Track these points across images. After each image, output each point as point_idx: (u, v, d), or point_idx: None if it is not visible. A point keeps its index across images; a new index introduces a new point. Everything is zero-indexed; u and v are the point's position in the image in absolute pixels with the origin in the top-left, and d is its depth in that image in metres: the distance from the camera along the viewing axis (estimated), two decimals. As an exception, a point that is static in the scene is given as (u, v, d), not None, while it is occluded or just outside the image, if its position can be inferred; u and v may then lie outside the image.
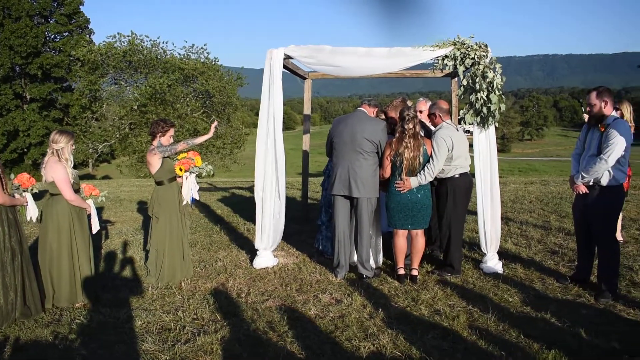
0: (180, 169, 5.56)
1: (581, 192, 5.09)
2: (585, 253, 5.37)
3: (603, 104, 4.94)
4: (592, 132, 5.10)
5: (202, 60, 30.88)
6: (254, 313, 4.69)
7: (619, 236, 6.76)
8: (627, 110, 6.39)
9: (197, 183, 5.99)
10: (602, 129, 4.92)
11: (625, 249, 6.59)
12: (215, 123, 6.05)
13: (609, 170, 4.87)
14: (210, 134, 5.83)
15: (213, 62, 31.23)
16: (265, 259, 6.06)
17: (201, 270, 5.99)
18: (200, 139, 5.82)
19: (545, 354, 3.79)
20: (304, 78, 8.06)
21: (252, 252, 6.38)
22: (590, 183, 5.00)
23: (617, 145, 4.77)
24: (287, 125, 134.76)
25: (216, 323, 4.48)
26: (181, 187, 5.66)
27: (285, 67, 6.75)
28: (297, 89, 8.30)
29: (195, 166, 5.66)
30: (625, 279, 5.46)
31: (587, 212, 5.12)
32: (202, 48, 31.20)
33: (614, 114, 4.99)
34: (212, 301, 5.00)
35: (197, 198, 5.87)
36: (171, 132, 5.51)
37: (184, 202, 5.67)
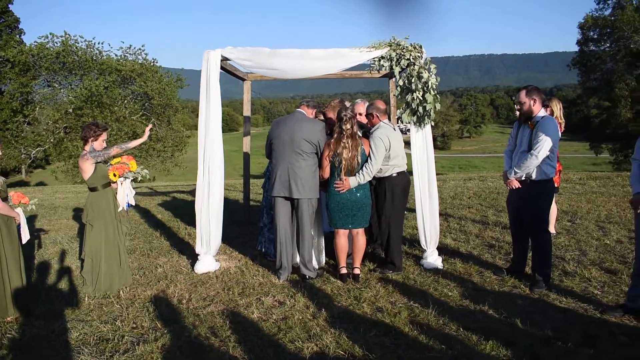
0: (114, 175, 5.40)
1: (514, 187, 5.29)
2: (520, 245, 5.58)
3: (532, 102, 5.15)
4: (522, 130, 5.30)
5: (140, 62, 30.13)
6: (195, 319, 4.61)
7: (551, 229, 7.05)
8: (557, 107, 6.67)
9: (135, 188, 5.83)
10: (532, 126, 5.13)
11: (558, 240, 6.88)
12: (150, 126, 5.91)
13: (539, 166, 5.08)
14: (145, 137, 5.70)
15: (152, 64, 30.53)
16: (206, 264, 5.97)
17: (140, 278, 5.83)
18: (134, 143, 5.67)
19: (483, 345, 3.91)
20: (243, 79, 7.99)
21: (193, 257, 6.28)
22: (523, 178, 5.20)
23: (546, 141, 4.99)
24: (230, 127, 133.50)
25: (156, 331, 4.37)
26: (116, 192, 5.50)
27: (223, 68, 6.68)
28: (239, 90, 8.19)
29: (130, 171, 5.51)
30: (558, 269, 5.70)
31: (520, 205, 5.33)
32: (140, 49, 30.47)
33: (543, 111, 5.21)
34: (152, 309, 4.88)
35: (133, 204, 5.72)
36: (104, 136, 5.34)
37: (120, 208, 5.51)
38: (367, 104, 6.15)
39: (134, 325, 4.52)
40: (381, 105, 5.84)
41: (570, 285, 5.22)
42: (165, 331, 4.36)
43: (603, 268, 5.70)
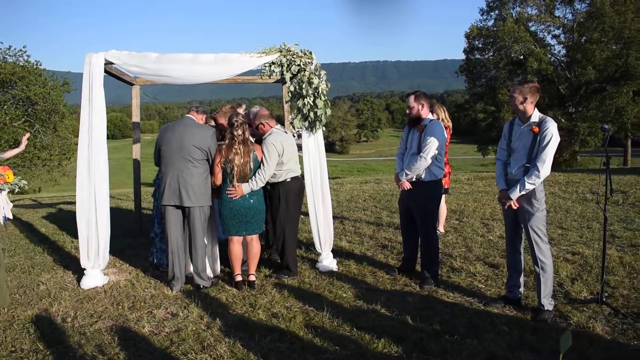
0: (-13, 187, 5.01)
1: (406, 188, 5.50)
2: (410, 244, 5.81)
3: (420, 107, 5.40)
4: (412, 133, 5.54)
5: (21, 64, 28.14)
6: (81, 337, 4.35)
7: (440, 228, 7.42)
8: (441, 111, 7.04)
9: (14, 200, 5.44)
10: (421, 130, 5.37)
11: (446, 238, 7.24)
12: (27, 135, 5.53)
13: (428, 167, 5.34)
14: (22, 147, 5.34)
15: (34, 66, 28.62)
16: (93, 278, 5.66)
17: (20, 297, 5.41)
18: (10, 153, 5.29)
19: (375, 343, 4.02)
20: (131, 84, 7.70)
21: (80, 272, 5.92)
22: (413, 179, 5.43)
23: (433, 144, 5.27)
24: (124, 133, 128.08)
25: (38, 353, 4.07)
26: (-11, 206, 5.10)
27: (109, 72, 6.40)
28: (130, 94, 7.86)
29: (6, 182, 5.14)
30: (446, 265, 6.01)
31: (411, 205, 5.56)
32: (21, 50, 28.43)
33: (431, 115, 5.48)
34: (33, 330, 4.54)
35: (10, 217, 5.33)
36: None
37: (-7, 223, 5.11)
38: (262, 110, 6.14)
39: (13, 349, 4.18)
40: (264, 112, 5.85)
41: (457, 280, 5.51)
42: (48, 352, 4.08)
43: (487, 263, 6.08)
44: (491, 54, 36.89)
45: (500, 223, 8.00)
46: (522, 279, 4.83)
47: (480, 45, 37.63)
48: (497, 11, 36.77)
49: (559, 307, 4.68)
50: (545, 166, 4.36)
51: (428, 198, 5.46)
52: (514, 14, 35.88)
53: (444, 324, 4.39)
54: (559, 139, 4.39)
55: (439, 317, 4.53)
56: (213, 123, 6.11)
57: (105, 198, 5.61)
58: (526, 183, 4.42)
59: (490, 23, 37.00)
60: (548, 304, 4.54)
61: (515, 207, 4.57)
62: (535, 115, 4.48)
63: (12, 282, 5.92)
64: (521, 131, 4.55)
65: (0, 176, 5.12)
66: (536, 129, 4.42)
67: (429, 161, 5.29)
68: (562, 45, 36.37)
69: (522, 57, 35.26)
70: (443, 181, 6.62)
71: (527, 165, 4.48)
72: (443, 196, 7.15)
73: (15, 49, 28.46)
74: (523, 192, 4.47)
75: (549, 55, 35.80)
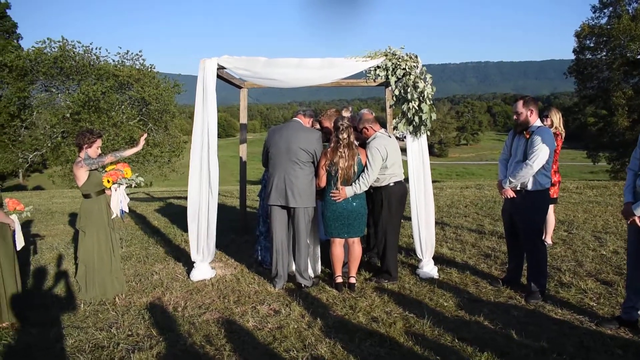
0: (108, 181, 5.40)
1: (509, 197, 5.29)
2: (515, 255, 5.58)
3: (529, 113, 5.16)
4: (517, 139, 5.31)
5: (137, 67, 30.16)
6: (190, 327, 4.60)
7: (548, 239, 7.07)
8: (557, 117, 6.68)
9: (130, 194, 5.84)
10: (527, 136, 5.14)
11: (554, 250, 6.88)
12: (145, 135, 5.90)
13: (534, 176, 5.09)
14: (139, 147, 5.71)
15: (149, 69, 30.56)
16: (202, 271, 5.98)
17: (136, 285, 5.83)
18: (129, 152, 5.66)
19: (478, 356, 3.91)
20: (240, 87, 8.01)
21: (189, 265, 6.27)
22: (517, 188, 5.21)
23: (541, 151, 5.00)
24: (227, 132, 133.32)
25: (152, 339, 4.36)
26: (110, 199, 5.50)
27: (219, 76, 6.69)
28: (236, 96, 8.23)
29: (124, 177, 5.51)
30: (554, 279, 5.70)
31: (514, 215, 5.33)
32: (137, 54, 30.49)
33: (539, 122, 5.22)
34: (148, 316, 4.87)
35: (127, 210, 5.72)
36: (98, 143, 5.34)
37: (113, 215, 5.50)
38: (366, 114, 6.16)
39: (130, 333, 4.51)
40: (368, 116, 5.87)
41: (566, 296, 5.22)
42: (161, 339, 4.35)
43: (599, 279, 5.70)
44: (604, 53, 34.51)
45: (615, 237, 7.49)
46: (642, 301, 4.48)
47: (591, 45, 35.31)
48: (611, 8, 34.27)
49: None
50: None
51: (533, 209, 5.21)
52: (630, 11, 33.31)
53: (552, 341, 4.17)
54: None
55: (546, 334, 4.31)
56: (318, 126, 6.22)
57: (214, 196, 5.89)
58: None
59: (604, 21, 34.61)
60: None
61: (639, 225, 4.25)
62: None
63: (129, 270, 6.38)
64: None
65: (120, 172, 5.50)
66: None
67: (535, 169, 5.04)
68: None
69: (639, 56, 32.69)
70: (552, 190, 6.30)
71: None
72: (551, 206, 6.81)
73: (132, 54, 30.60)
74: None
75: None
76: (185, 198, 13.64)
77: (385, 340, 4.24)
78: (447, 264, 6.39)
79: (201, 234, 5.92)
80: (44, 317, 4.90)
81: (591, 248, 6.97)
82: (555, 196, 6.85)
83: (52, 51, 27.97)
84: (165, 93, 30.40)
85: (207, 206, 5.88)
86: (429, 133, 5.90)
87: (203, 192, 5.86)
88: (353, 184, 5.45)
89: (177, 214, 10.73)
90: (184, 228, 8.85)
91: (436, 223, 7.74)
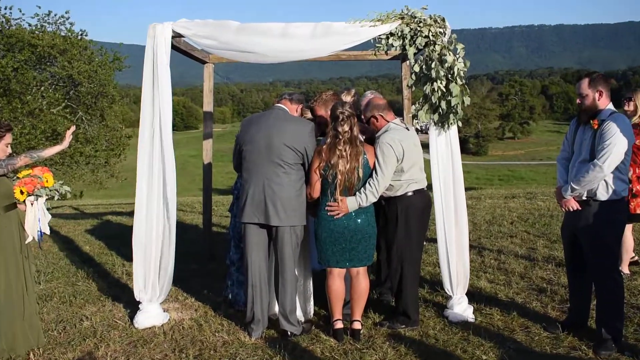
0: (22, 192, 5.36)
1: (571, 209, 5.27)
2: (580, 290, 5.58)
3: (597, 95, 5.14)
4: (582, 131, 5.28)
5: (62, 34, 30.01)
6: (134, 394, 4.60)
7: (624, 268, 7.08)
8: None
9: (51, 209, 5.81)
10: (595, 126, 5.10)
11: (633, 282, 6.91)
12: (73, 128, 5.88)
13: (605, 180, 5.07)
14: (65, 145, 5.69)
15: (78, 37, 30.43)
16: (150, 315, 5.95)
17: (59, 335, 5.80)
18: (50, 151, 5.64)
19: None
20: (203, 62, 8.02)
21: (133, 306, 6.25)
22: (583, 197, 5.19)
23: (615, 146, 4.91)
24: (188, 124, 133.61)
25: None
26: (24, 217, 5.46)
27: (176, 47, 6.69)
28: (200, 74, 8.22)
29: (44, 187, 5.48)
30: (634, 322, 5.71)
31: (579, 235, 5.32)
32: (62, 17, 30.35)
33: (611, 106, 5.18)
34: (75, 379, 4.87)
35: (47, 232, 5.67)
36: (7, 139, 5.29)
37: (28, 239, 5.47)
38: (375, 97, 6.16)
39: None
40: (379, 101, 5.88)
41: (651, 345, 5.24)
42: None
43: (697, 323, 5.73)
44: None
45: None
46: None
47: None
48: None
49: None
50: None
51: (605, 225, 5.19)
52: None
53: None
54: None
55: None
56: (310, 115, 6.22)
57: (170, 211, 5.90)
58: None
59: None
60: None
61: None
62: None
63: (49, 315, 6.35)
64: None
65: (37, 179, 5.43)
66: None
67: (606, 172, 5.03)
68: None
69: None
70: (632, 204, 6.28)
71: None
72: (629, 225, 6.83)
73: (56, 16, 30.30)
74: None
75: None
76: (129, 214, 13.60)
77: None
78: (487, 302, 6.40)
79: (150, 263, 5.91)
80: None
81: (684, 280, 7.00)
82: (637, 211, 6.83)
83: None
84: (101, 70, 30.23)
85: (160, 225, 5.88)
86: (460, 123, 5.92)
87: (154, 206, 5.86)
88: (357, 193, 5.45)
89: (118, 236, 10.71)
90: (127, 255, 8.84)
91: (471, 246, 7.74)
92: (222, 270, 7.09)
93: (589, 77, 5.23)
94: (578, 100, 5.29)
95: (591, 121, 5.13)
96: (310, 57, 6.05)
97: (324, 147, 5.44)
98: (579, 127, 5.34)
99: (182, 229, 10.91)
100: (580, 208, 5.23)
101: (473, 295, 6.36)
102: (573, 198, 5.24)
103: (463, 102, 5.74)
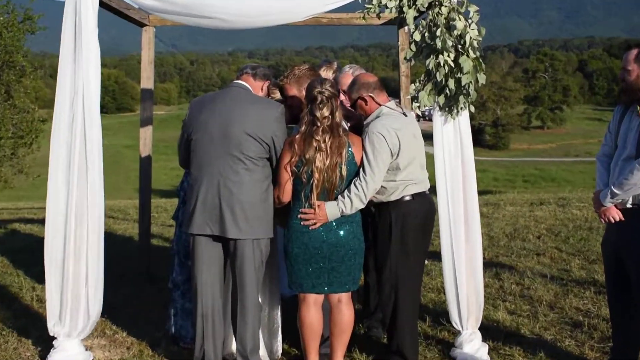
0: None
1: (612, 220, 5.31)
2: (625, 323, 5.59)
3: (646, 71, 5.18)
4: (629, 119, 5.30)
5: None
6: None
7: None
8: None
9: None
10: (643, 113, 5.14)
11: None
12: None
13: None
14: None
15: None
16: (68, 355, 5.89)
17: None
18: None
19: None
20: (141, 25, 7.99)
21: (45, 342, 6.22)
22: (628, 205, 5.22)
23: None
24: (121, 104, 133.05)
25: None
26: None
27: (106, 5, 6.65)
28: (137, 40, 8.14)
29: None
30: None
31: (623, 253, 5.34)
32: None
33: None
34: None
35: None
36: None
37: None
38: (358, 71, 6.17)
39: None
40: (367, 77, 5.87)
41: None
42: None
43: None
44: None
45: None
46: None
47: None
48: None
49: None
50: None
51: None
52: None
53: None
54: None
55: None
56: (279, 95, 6.22)
57: (98, 216, 5.85)
58: None
59: None
60: None
61: None
62: None
63: (-64, 353, 6.30)
64: None
65: None
66: None
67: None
68: None
69: None
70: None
71: None
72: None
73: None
74: None
75: None
76: (43, 222, 13.53)
77: None
78: (506, 339, 6.44)
79: (68, 286, 5.85)
80: None
81: None
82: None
83: None
84: (7, 32, 30.11)
85: (81, 237, 5.84)
86: (473, 108, 5.94)
87: (73, 212, 5.82)
88: (339, 197, 5.45)
89: (27, 251, 10.64)
90: (38, 276, 8.78)
91: (487, 267, 7.77)
92: (163, 296, 7.07)
93: (639, 48, 5.24)
94: (620, 76, 5.29)
95: (638, 107, 5.15)
96: (282, 21, 6.03)
97: (297, 137, 5.42)
98: (625, 114, 5.35)
99: (112, 241, 10.85)
100: (623, 219, 5.25)
101: (488, 330, 6.40)
102: (615, 206, 5.26)
103: (477, 80, 5.75)
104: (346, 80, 6.28)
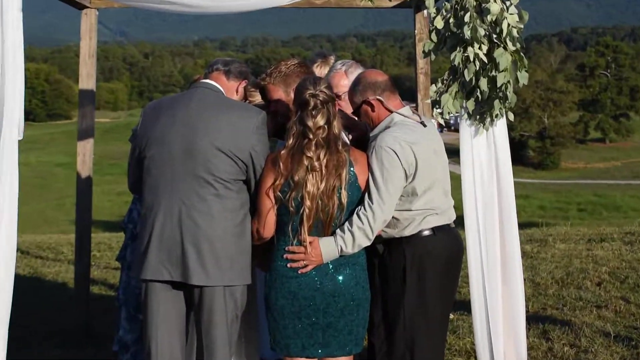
0: None
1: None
2: None
3: None
4: None
5: None
6: None
7: None
8: None
9: None
10: None
11: None
12: None
13: None
14: None
15: None
16: None
17: None
18: None
19: None
20: (81, 7, 8.03)
21: None
22: None
23: None
24: (53, 110, 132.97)
25: None
26: None
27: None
28: (75, 26, 8.15)
29: None
30: None
31: None
32: None
33: None
34: None
35: None
36: None
37: None
38: (358, 69, 6.20)
39: None
40: (378, 76, 5.84)
41: None
42: None
43: None
44: None
45: None
46: None
47: None
48: None
49: None
50: None
51: None
52: None
53: None
54: None
55: None
56: (259, 99, 6.23)
57: (7, 258, 5.83)
58: None
59: None
60: None
61: None
62: None
63: None
64: None
65: None
66: None
67: None
68: None
69: None
70: None
71: None
72: None
73: None
74: None
75: None
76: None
77: None
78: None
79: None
80: None
81: None
82: None
83: None
84: None
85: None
86: (512, 116, 5.96)
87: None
88: (338, 231, 5.43)
89: None
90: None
91: (531, 321, 7.77)
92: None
93: None
94: None
95: None
96: (265, 5, 6.06)
97: (283, 152, 5.37)
98: None
99: (41, 288, 10.85)
100: None
101: (532, 404, 6.41)
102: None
103: (517, 79, 5.78)
104: (337, 80, 6.25)
